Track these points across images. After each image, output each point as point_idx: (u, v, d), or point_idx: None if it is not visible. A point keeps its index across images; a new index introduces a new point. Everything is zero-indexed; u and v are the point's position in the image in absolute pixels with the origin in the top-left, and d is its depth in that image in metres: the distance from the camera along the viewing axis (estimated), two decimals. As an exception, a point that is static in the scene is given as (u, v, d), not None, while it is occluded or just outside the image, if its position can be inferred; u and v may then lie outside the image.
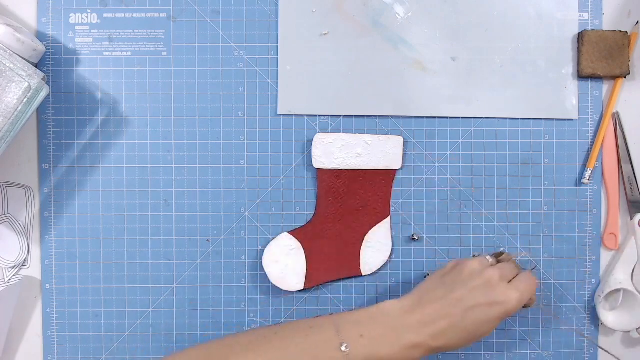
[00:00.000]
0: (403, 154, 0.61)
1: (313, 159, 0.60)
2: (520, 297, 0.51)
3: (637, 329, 0.61)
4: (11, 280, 0.61)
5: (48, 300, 0.62)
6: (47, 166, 0.61)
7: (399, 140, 0.61)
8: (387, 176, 0.62)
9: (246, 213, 0.62)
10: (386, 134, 0.62)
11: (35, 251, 0.62)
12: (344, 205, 0.62)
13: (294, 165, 0.62)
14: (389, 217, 0.62)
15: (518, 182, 0.63)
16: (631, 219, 0.62)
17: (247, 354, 0.49)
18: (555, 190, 0.63)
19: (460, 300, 0.50)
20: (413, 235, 0.62)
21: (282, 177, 0.62)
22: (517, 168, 0.63)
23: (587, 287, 0.63)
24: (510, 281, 0.52)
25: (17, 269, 0.62)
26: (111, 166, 0.61)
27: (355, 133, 0.61)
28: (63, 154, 0.61)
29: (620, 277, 0.62)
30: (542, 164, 0.63)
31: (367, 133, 0.62)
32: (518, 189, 0.63)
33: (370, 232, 0.62)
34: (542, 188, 0.63)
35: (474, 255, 0.61)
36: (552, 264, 0.63)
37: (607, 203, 0.63)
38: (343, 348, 0.48)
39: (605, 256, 0.64)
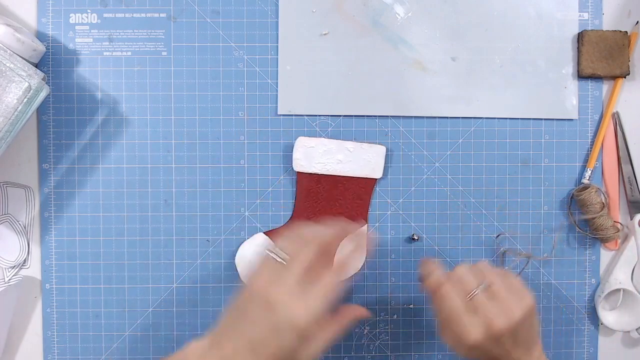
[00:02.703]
0: (385, 164, 0.61)
1: (294, 162, 0.60)
2: (307, 305, 0.42)
3: (637, 329, 0.61)
4: (11, 280, 0.61)
5: (48, 300, 0.62)
6: (47, 166, 0.61)
7: (381, 149, 0.61)
8: (367, 184, 0.61)
9: (246, 213, 0.62)
10: (386, 133, 0.62)
11: (35, 251, 0.62)
12: (321, 210, 0.61)
13: (294, 165, 0.62)
14: (366, 226, 0.62)
15: (518, 182, 0.63)
16: (631, 219, 0.62)
17: None
18: (555, 190, 0.63)
19: (248, 338, 0.43)
20: (413, 235, 0.62)
21: (282, 177, 0.62)
22: (517, 168, 0.63)
23: (587, 287, 0.63)
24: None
25: (17, 269, 0.62)
26: (111, 166, 0.62)
27: (340, 139, 0.61)
28: (63, 154, 0.61)
29: (620, 277, 0.62)
30: (542, 164, 0.63)
31: (367, 133, 0.62)
32: (518, 189, 0.63)
33: (346, 238, 0.62)
34: (542, 188, 0.63)
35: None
36: (552, 264, 0.63)
37: (607, 203, 0.63)
38: None
39: (605, 256, 0.64)
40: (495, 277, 0.50)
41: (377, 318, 0.63)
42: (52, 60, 0.61)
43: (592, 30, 0.61)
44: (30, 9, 0.61)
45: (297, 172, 0.61)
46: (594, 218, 0.61)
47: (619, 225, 0.62)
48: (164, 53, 0.61)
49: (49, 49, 0.61)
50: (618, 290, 0.62)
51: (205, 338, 0.46)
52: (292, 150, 0.60)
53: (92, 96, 0.61)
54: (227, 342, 0.44)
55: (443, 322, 0.50)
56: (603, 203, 0.60)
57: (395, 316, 0.63)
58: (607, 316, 0.62)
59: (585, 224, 0.62)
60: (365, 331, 0.63)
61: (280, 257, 0.45)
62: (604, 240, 0.62)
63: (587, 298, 0.63)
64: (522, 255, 0.62)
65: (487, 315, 0.48)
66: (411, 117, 0.62)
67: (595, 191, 0.60)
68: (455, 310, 0.48)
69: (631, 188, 0.62)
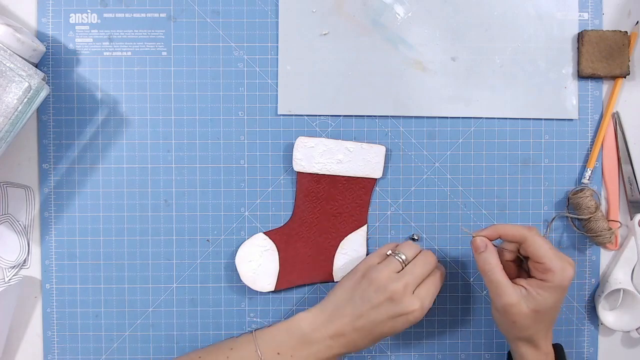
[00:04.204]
0: (385, 164, 0.61)
1: (294, 162, 0.60)
2: (421, 304, 0.53)
3: (637, 329, 0.61)
4: (11, 280, 0.61)
5: (48, 300, 0.62)
6: (47, 166, 0.61)
7: (381, 149, 0.61)
8: (367, 184, 0.61)
9: (246, 213, 0.62)
10: (386, 133, 0.62)
11: (35, 251, 0.62)
12: (321, 210, 0.61)
13: (293, 165, 0.62)
14: (365, 226, 0.62)
15: (518, 182, 0.63)
16: (631, 219, 0.62)
17: None
18: (555, 190, 0.63)
19: (367, 318, 0.54)
20: (413, 235, 0.62)
21: (282, 177, 0.62)
22: (517, 168, 0.63)
23: (587, 287, 0.63)
24: (416, 288, 0.54)
25: (17, 269, 0.62)
26: (111, 166, 0.62)
27: (340, 139, 0.61)
28: (63, 154, 0.61)
29: (620, 277, 0.62)
30: (542, 164, 0.63)
31: (367, 133, 0.62)
32: (518, 189, 0.63)
33: (345, 239, 0.62)
34: (542, 188, 0.63)
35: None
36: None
37: (607, 203, 0.63)
38: None
39: (605, 256, 0.64)
40: None
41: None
42: (52, 60, 0.61)
43: (592, 30, 0.61)
44: (30, 9, 0.61)
45: (297, 172, 0.61)
46: (587, 222, 0.61)
47: (616, 226, 0.62)
48: (164, 53, 0.61)
49: (49, 49, 0.61)
50: (618, 290, 0.62)
51: (312, 311, 0.56)
52: (292, 150, 0.61)
53: (92, 96, 0.61)
54: (344, 318, 0.54)
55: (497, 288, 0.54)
56: (597, 207, 0.60)
57: (395, 316, 0.63)
58: (607, 316, 0.62)
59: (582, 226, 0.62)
60: (365, 331, 0.63)
61: (399, 258, 0.55)
62: (598, 243, 0.62)
63: (587, 298, 0.63)
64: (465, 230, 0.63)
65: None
66: (411, 117, 0.62)
67: (591, 195, 0.60)
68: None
69: (631, 188, 0.62)
